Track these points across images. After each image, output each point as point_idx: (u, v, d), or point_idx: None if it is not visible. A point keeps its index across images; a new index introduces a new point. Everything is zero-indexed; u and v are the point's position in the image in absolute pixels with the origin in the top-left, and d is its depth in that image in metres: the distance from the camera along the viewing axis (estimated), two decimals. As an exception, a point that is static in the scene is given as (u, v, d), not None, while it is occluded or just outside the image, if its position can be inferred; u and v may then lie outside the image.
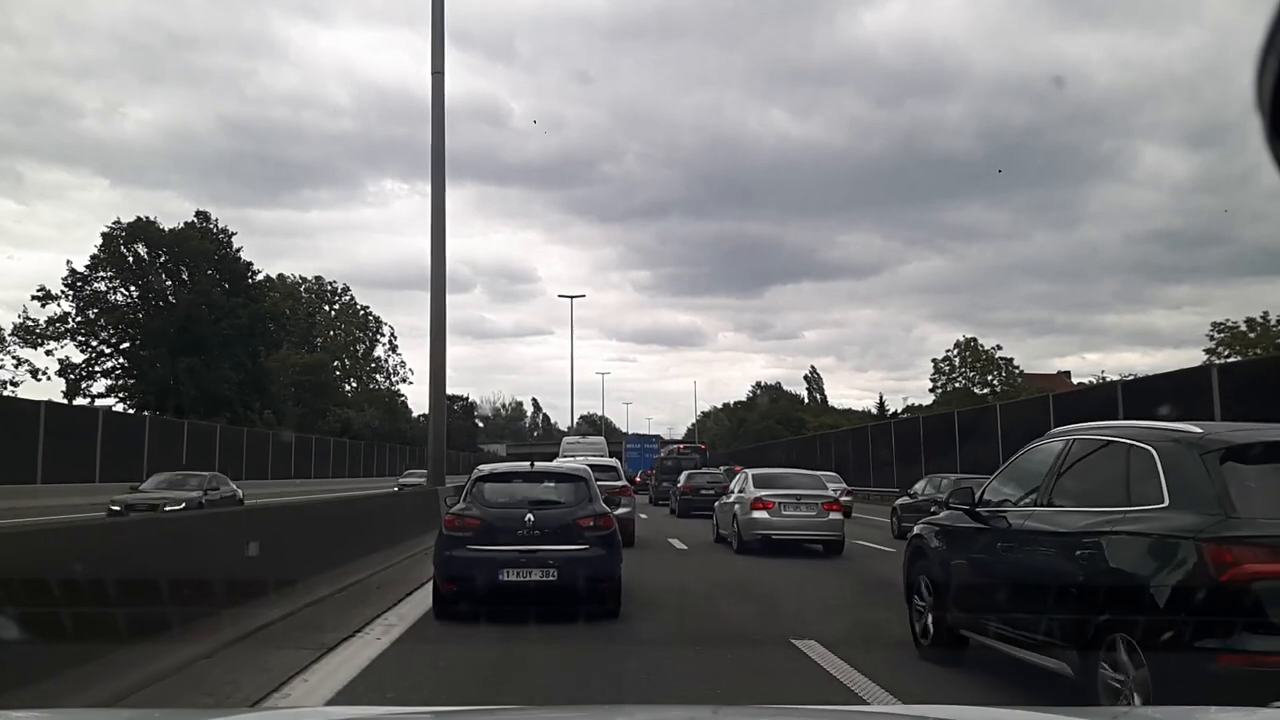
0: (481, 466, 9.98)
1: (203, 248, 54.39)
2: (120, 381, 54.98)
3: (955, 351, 69.34)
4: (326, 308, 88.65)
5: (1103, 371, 60.15)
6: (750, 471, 17.92)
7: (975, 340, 69.69)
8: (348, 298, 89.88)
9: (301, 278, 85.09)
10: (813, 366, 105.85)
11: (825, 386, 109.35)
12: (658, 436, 70.66)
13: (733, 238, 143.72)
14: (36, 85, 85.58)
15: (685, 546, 17.33)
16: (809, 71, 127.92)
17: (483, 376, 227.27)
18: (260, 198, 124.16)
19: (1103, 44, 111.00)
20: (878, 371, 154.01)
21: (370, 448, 65.79)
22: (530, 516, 8.48)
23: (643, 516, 25.91)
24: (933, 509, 21.96)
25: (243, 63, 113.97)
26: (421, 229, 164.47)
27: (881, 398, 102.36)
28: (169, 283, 54.75)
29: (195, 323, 52.23)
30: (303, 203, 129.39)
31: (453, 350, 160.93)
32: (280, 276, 79.38)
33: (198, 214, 56.17)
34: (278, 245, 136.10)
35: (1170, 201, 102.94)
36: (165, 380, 52.17)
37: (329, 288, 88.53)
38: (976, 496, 6.47)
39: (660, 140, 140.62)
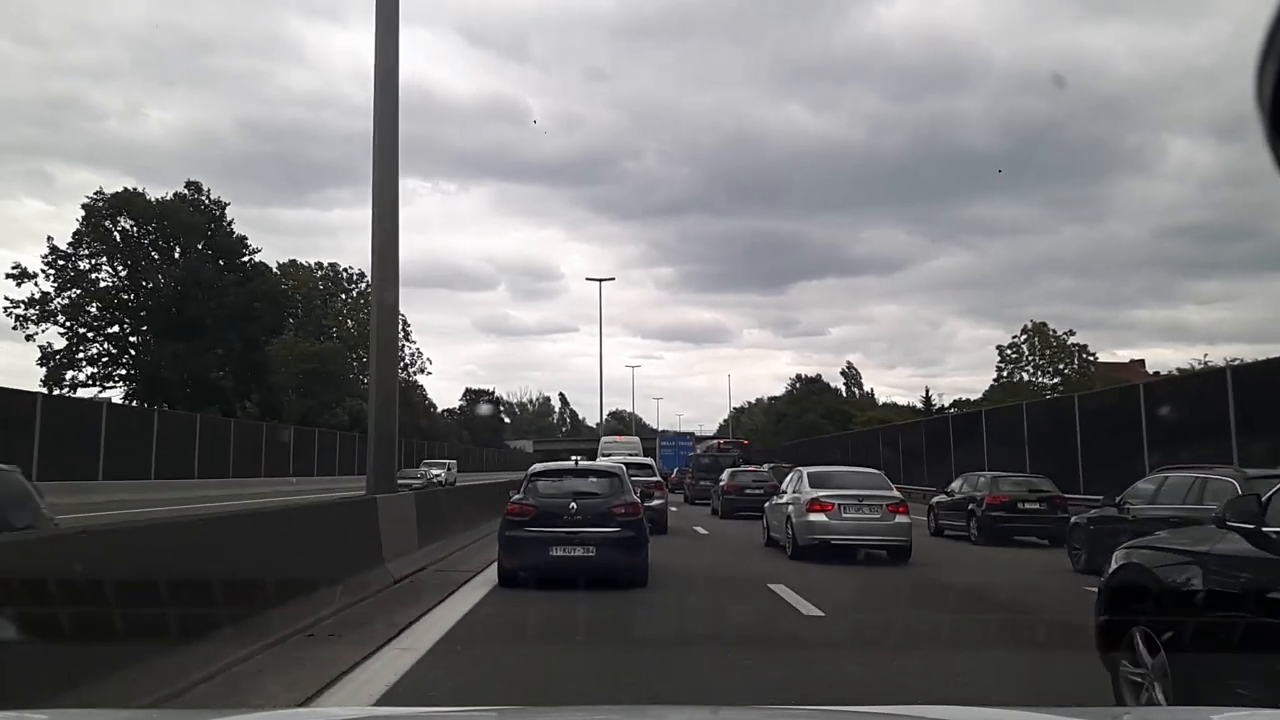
0: (535, 466, 11.85)
1: (193, 221, 48.99)
2: (106, 369, 49.85)
3: (1023, 338, 63.21)
4: (343, 295, 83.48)
5: (1206, 355, 53.71)
6: (805, 470, 16.26)
7: (1045, 325, 63.56)
8: (364, 284, 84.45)
9: (318, 264, 79.94)
10: (849, 362, 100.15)
11: (860, 382, 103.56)
12: (691, 434, 66.96)
13: (754, 234, 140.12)
14: (61, 88, 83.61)
15: (821, 613, 9.16)
16: (825, 67, 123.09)
17: (509, 373, 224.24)
18: (283, 197, 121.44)
19: (1124, 36, 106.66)
20: (905, 368, 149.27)
21: (383, 443, 60.16)
22: (574, 505, 10.55)
23: (701, 531, 21.40)
24: (970, 506, 19.60)
25: (260, 64, 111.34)
26: (446, 227, 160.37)
27: (928, 391, 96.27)
28: (156, 258, 49.39)
29: (186, 303, 46.91)
30: (325, 202, 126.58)
31: (478, 347, 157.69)
32: (292, 262, 74.56)
33: (188, 184, 50.62)
34: (300, 245, 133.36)
35: (1197, 195, 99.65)
36: (153, 366, 46.89)
37: (345, 274, 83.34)
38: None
39: (678, 138, 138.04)
